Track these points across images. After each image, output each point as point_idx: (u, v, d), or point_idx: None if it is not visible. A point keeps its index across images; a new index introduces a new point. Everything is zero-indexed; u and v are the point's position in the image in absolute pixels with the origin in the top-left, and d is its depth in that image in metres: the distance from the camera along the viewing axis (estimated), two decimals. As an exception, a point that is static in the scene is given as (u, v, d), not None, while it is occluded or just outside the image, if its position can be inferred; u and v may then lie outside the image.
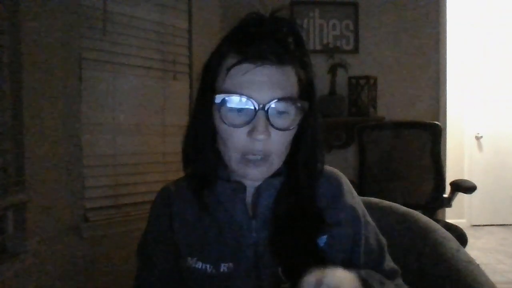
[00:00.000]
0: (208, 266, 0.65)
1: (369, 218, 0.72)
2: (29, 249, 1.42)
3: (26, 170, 1.46)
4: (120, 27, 1.81)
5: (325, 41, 2.81)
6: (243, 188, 0.67)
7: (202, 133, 0.66)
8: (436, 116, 2.83)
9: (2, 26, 1.38)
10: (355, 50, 2.83)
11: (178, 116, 2.03)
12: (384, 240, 0.72)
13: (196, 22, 2.12)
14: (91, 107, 1.72)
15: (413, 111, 2.83)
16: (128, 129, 1.86)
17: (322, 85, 2.66)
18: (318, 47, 2.80)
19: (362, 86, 2.69)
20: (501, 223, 4.11)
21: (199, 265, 0.66)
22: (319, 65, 2.61)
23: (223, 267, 0.65)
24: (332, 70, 2.61)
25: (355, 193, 0.73)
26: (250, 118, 0.58)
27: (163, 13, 1.98)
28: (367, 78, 2.68)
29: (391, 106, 2.82)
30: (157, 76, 1.97)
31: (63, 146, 1.61)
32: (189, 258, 0.67)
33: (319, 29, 2.83)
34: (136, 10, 1.87)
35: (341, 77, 2.67)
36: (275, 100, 0.58)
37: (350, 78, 2.71)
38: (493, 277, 2.72)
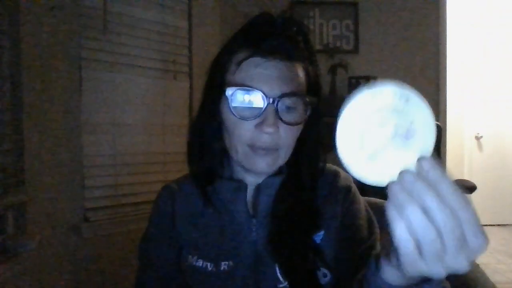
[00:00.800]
0: (208, 264, 0.65)
1: (368, 209, 0.71)
2: (29, 249, 1.42)
3: (26, 170, 1.46)
4: (120, 27, 1.81)
5: (325, 41, 2.81)
6: (244, 186, 0.67)
7: (210, 127, 0.66)
8: (436, 116, 2.83)
9: (2, 26, 1.39)
10: (355, 50, 2.83)
11: (178, 116, 2.03)
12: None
13: (196, 22, 2.12)
14: (91, 107, 1.72)
15: (413, 111, 2.82)
16: (128, 129, 1.86)
17: (322, 85, 2.65)
18: (318, 47, 2.80)
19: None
20: (501, 223, 4.11)
21: (200, 263, 0.66)
22: (319, 65, 2.61)
23: (224, 265, 0.65)
24: (332, 70, 2.61)
25: (353, 185, 0.72)
26: (260, 111, 0.59)
27: (163, 13, 1.98)
28: (367, 78, 2.68)
29: (391, 106, 2.81)
30: (157, 76, 1.97)
31: (63, 146, 1.61)
32: (190, 256, 0.67)
33: (319, 29, 2.83)
34: (136, 10, 1.87)
35: (341, 77, 2.67)
36: (285, 95, 0.59)
37: (350, 78, 2.70)
38: (493, 277, 2.72)
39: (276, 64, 0.60)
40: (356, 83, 2.68)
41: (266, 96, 0.58)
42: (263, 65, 0.59)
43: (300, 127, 0.64)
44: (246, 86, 0.59)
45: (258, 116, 0.59)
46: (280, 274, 0.63)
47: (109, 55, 1.78)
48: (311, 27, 2.82)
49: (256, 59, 0.60)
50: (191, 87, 2.10)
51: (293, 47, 0.61)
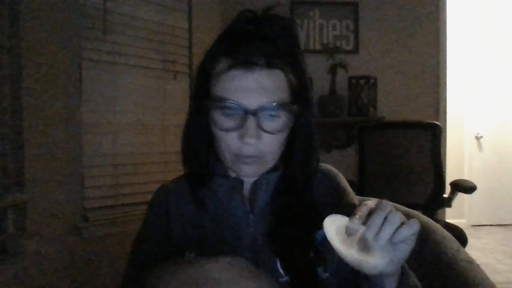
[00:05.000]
0: None
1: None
2: (29, 249, 1.42)
3: (26, 170, 1.46)
4: (120, 27, 1.81)
5: (325, 41, 2.81)
6: (240, 183, 0.68)
7: (197, 134, 0.67)
8: (436, 116, 2.84)
9: (2, 26, 1.39)
10: (355, 50, 2.83)
11: (178, 116, 2.03)
12: None
13: (196, 22, 2.12)
14: (91, 107, 1.72)
15: (413, 111, 2.83)
16: (128, 129, 1.86)
17: (322, 85, 2.66)
18: (318, 47, 2.80)
19: (362, 86, 2.69)
20: (501, 223, 4.11)
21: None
22: (319, 65, 2.61)
23: None
24: (332, 70, 2.61)
25: (351, 190, 0.74)
26: (241, 123, 0.59)
27: (163, 13, 1.98)
28: (367, 78, 2.68)
29: (391, 106, 2.82)
30: (157, 76, 1.97)
31: (63, 146, 1.61)
32: (188, 253, 0.67)
33: (319, 29, 2.83)
34: (136, 10, 1.87)
35: (341, 77, 2.67)
36: (264, 106, 0.59)
37: (350, 78, 2.71)
38: (493, 277, 2.72)
39: (254, 74, 0.59)
40: (356, 83, 2.69)
41: (246, 109, 0.58)
42: (241, 77, 0.59)
43: (286, 132, 0.63)
44: (225, 100, 0.59)
45: (240, 128, 0.60)
46: (281, 268, 0.63)
47: (109, 55, 1.78)
48: (311, 27, 2.82)
49: (234, 71, 0.59)
50: (191, 87, 2.10)
51: (273, 52, 0.60)
